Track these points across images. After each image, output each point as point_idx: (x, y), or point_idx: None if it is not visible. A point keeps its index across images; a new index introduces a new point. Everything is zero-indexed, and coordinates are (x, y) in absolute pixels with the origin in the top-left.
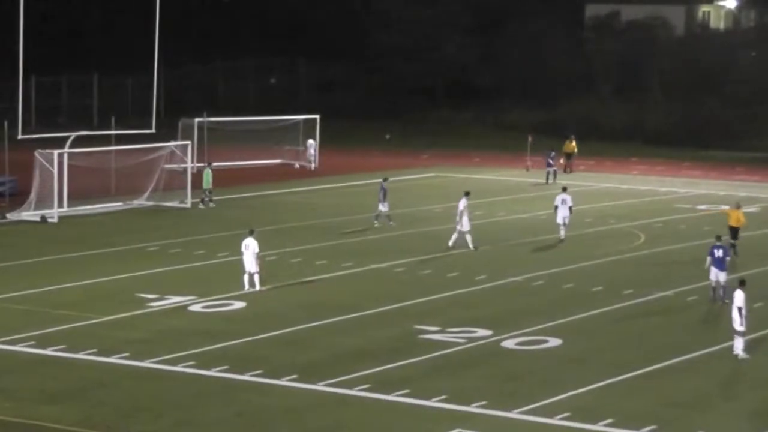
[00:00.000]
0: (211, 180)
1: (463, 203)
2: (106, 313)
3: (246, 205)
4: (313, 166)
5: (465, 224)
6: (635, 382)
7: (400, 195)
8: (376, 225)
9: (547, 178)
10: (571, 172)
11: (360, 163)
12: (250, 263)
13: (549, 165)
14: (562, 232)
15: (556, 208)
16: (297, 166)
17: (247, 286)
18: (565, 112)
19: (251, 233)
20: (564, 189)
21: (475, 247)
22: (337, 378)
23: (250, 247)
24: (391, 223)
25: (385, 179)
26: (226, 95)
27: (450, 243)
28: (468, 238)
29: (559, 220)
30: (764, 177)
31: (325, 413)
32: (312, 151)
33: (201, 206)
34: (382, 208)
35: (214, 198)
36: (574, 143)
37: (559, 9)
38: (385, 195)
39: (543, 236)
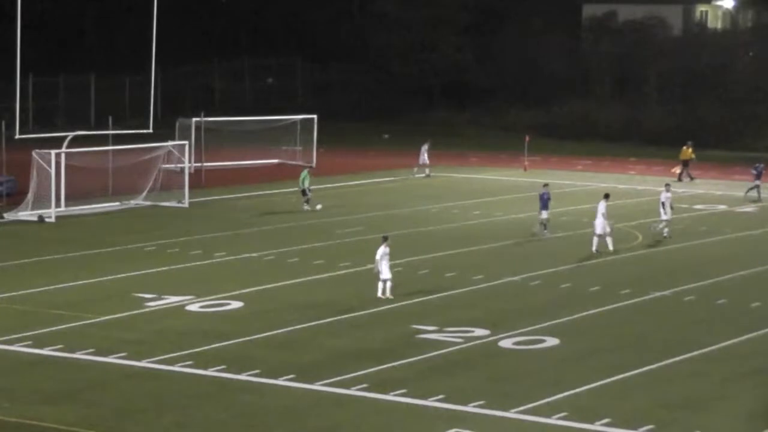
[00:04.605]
0: (305, 182)
1: (602, 206)
2: (104, 313)
3: (242, 206)
4: (421, 171)
5: (599, 226)
6: (632, 382)
7: (397, 195)
8: (546, 233)
9: (759, 194)
10: (692, 179)
11: (357, 163)
12: (386, 271)
13: (757, 178)
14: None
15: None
16: (415, 173)
17: (380, 293)
18: (563, 112)
19: (385, 240)
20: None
21: (615, 251)
22: (335, 378)
23: (382, 254)
24: (545, 231)
25: (546, 185)
26: (223, 95)
27: (594, 249)
28: (608, 240)
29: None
30: (761, 177)
31: (323, 413)
32: (425, 156)
33: (307, 207)
34: (544, 215)
35: (312, 198)
36: (690, 150)
37: (556, 9)
38: (547, 201)
39: (540, 236)
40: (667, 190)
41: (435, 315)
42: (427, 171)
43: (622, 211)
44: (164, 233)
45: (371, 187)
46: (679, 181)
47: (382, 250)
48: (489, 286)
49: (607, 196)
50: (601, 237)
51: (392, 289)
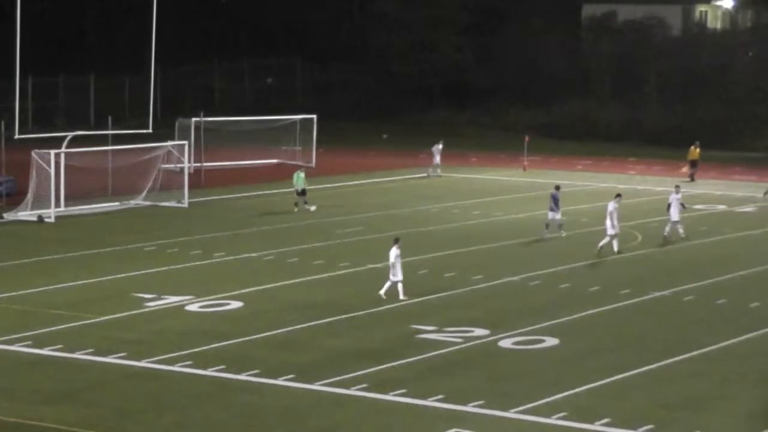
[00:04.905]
0: (300, 183)
1: (612, 205)
2: (103, 313)
3: (242, 206)
4: (432, 171)
5: (609, 227)
6: (632, 382)
7: (397, 195)
8: (555, 234)
9: None
10: (692, 180)
11: (357, 162)
12: (398, 272)
13: None
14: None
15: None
16: (427, 175)
17: (383, 292)
18: (562, 113)
19: (396, 242)
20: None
21: (619, 251)
22: (334, 378)
23: (393, 256)
24: (545, 231)
25: (557, 188)
26: (223, 95)
27: (600, 245)
28: (614, 241)
29: (674, 220)
30: (761, 177)
31: (323, 413)
32: (437, 157)
33: (306, 207)
34: (552, 216)
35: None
36: (698, 150)
37: (556, 9)
38: (557, 203)
39: (539, 236)
40: (677, 192)
41: (434, 315)
42: (430, 171)
43: (623, 211)
44: (164, 233)
45: (371, 187)
46: (691, 181)
47: (395, 252)
48: (488, 286)
49: (618, 196)
50: (612, 237)
51: (403, 290)
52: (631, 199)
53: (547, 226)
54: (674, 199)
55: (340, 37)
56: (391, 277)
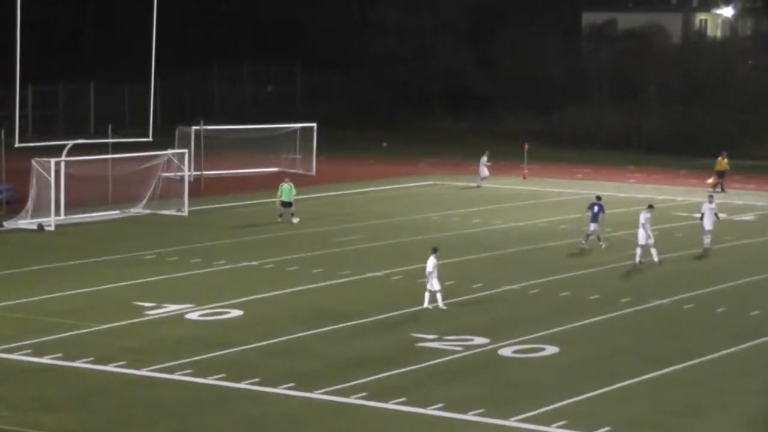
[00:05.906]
0: (284, 194)
1: (644, 216)
2: (103, 321)
3: (242, 214)
4: (485, 181)
5: (641, 237)
6: (633, 390)
7: (397, 203)
8: (602, 245)
9: None
10: (723, 191)
11: (357, 171)
12: (432, 282)
13: None
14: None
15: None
16: (476, 186)
17: (426, 303)
18: (562, 120)
19: (434, 251)
20: (650, 206)
21: (660, 261)
22: (334, 386)
23: (431, 265)
24: (600, 243)
25: (599, 198)
26: (222, 103)
27: (637, 260)
28: (653, 251)
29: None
30: (760, 185)
31: (322, 422)
32: (485, 169)
33: (295, 220)
34: (594, 227)
35: (285, 212)
36: (726, 160)
37: (556, 17)
38: (597, 214)
39: (540, 244)
40: (711, 202)
41: (434, 323)
42: (479, 182)
43: (622, 219)
44: (164, 241)
45: (371, 195)
46: (722, 192)
47: (432, 262)
48: (488, 294)
49: (650, 207)
50: (645, 247)
51: (442, 299)
52: (631, 207)
53: (599, 238)
54: (708, 208)
55: (339, 44)
56: (428, 287)
